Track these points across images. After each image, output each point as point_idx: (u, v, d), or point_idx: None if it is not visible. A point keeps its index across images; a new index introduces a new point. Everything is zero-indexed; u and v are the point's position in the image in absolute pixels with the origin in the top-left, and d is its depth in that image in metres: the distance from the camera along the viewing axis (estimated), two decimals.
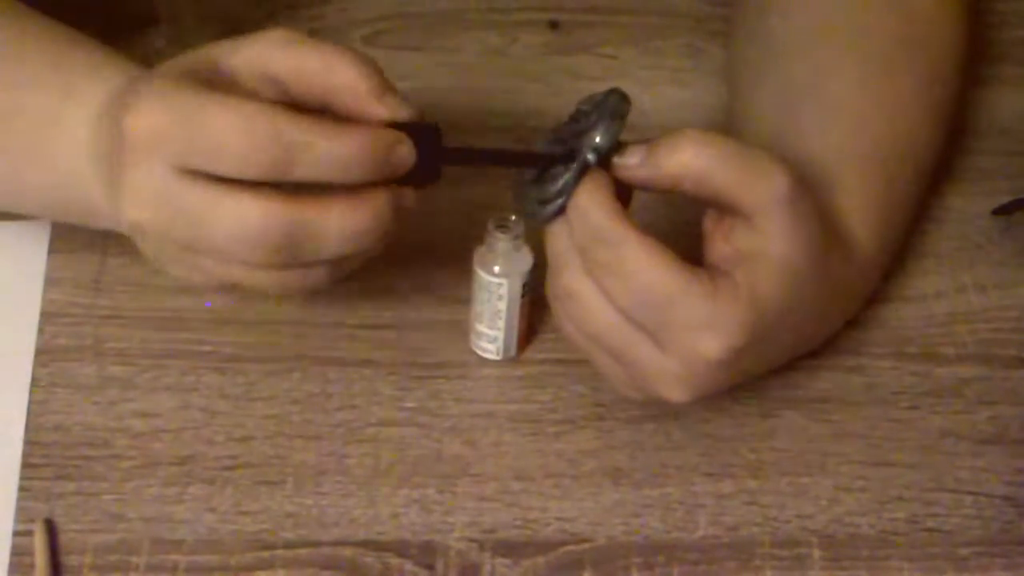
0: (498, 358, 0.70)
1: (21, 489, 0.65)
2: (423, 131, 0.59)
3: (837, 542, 0.65)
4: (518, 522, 0.65)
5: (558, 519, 0.65)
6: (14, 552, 0.63)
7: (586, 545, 0.65)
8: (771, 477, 0.67)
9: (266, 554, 0.64)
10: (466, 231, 0.69)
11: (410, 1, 0.85)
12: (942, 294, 0.74)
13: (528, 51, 0.84)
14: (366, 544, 0.64)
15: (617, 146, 0.60)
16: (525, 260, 0.66)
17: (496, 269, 0.66)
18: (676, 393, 0.61)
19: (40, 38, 0.66)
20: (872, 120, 0.71)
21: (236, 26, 0.66)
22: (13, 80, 0.64)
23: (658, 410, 0.68)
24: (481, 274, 0.66)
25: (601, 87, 0.62)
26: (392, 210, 0.58)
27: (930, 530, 0.66)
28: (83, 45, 0.65)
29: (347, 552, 0.64)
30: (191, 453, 0.66)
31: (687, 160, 0.59)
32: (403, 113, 0.59)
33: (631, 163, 0.60)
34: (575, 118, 0.61)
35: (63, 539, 0.64)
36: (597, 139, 0.59)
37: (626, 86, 0.61)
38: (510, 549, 0.64)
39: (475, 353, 0.70)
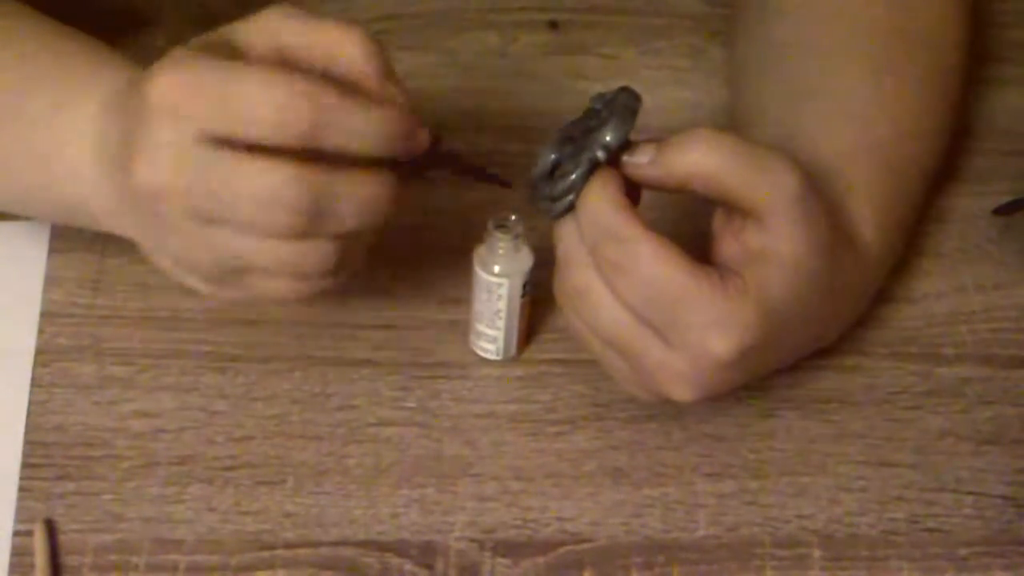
0: (498, 358, 0.70)
1: (21, 489, 0.65)
2: None
3: (837, 542, 0.65)
4: (518, 522, 0.65)
5: (558, 519, 0.65)
6: (14, 552, 0.63)
7: (586, 545, 0.65)
8: (771, 477, 0.67)
9: (266, 554, 0.64)
10: (466, 231, 0.69)
11: (410, 1, 0.85)
12: (942, 294, 0.74)
13: (528, 51, 0.84)
14: (366, 544, 0.64)
15: (627, 144, 0.60)
16: (525, 260, 0.66)
17: (496, 269, 0.66)
18: (683, 392, 0.61)
19: (40, 37, 0.66)
20: (877, 119, 0.71)
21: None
22: (13, 80, 0.64)
23: (658, 410, 0.68)
24: (481, 274, 0.66)
25: (601, 87, 0.62)
26: (396, 191, 0.58)
27: (930, 530, 0.66)
28: (83, 44, 0.65)
29: (347, 552, 0.64)
30: (191, 453, 0.66)
31: (697, 159, 0.59)
32: (401, 100, 0.59)
33: (641, 161, 0.60)
34: (586, 116, 0.61)
35: (63, 539, 0.64)
36: (607, 137, 0.59)
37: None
38: (510, 549, 0.64)
39: (475, 353, 0.70)
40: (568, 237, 0.61)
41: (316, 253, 0.58)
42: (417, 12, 0.85)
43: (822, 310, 0.65)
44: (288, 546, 0.64)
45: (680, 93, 0.82)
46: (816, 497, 0.66)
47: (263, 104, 0.55)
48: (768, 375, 0.68)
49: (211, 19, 0.60)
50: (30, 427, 0.67)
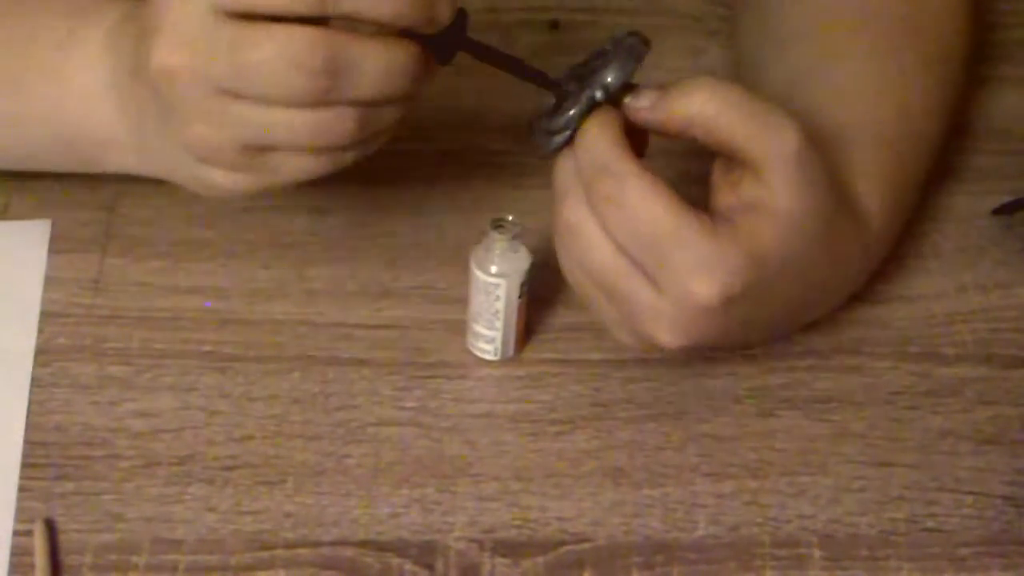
0: (495, 359, 0.70)
1: (21, 489, 0.65)
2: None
3: (837, 542, 0.65)
4: (518, 522, 0.65)
5: (558, 519, 0.65)
6: (14, 552, 0.63)
7: (586, 545, 0.65)
8: (771, 477, 0.67)
9: (266, 554, 0.64)
10: (464, 231, 0.69)
11: None
12: (942, 294, 0.74)
13: (528, 51, 0.83)
14: (366, 544, 0.64)
15: (630, 87, 0.61)
16: (523, 260, 0.66)
17: (493, 269, 0.66)
18: (668, 336, 0.61)
19: None
20: (880, 100, 0.72)
21: None
22: (25, 8, 0.65)
23: (658, 410, 0.68)
24: (478, 274, 0.66)
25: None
26: (420, 63, 0.59)
27: (930, 530, 0.66)
28: None
29: (347, 552, 0.64)
30: (191, 453, 0.66)
31: (698, 106, 0.60)
32: None
33: (643, 105, 0.61)
34: (595, 56, 0.62)
35: (63, 539, 0.63)
36: (608, 77, 0.61)
37: None
38: (510, 549, 0.64)
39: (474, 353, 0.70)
40: (564, 173, 0.61)
41: (338, 122, 0.59)
42: None
43: (817, 275, 0.65)
44: (288, 546, 0.64)
45: None
46: (816, 497, 0.66)
47: None
48: (761, 342, 0.67)
49: None
50: (30, 427, 0.67)
